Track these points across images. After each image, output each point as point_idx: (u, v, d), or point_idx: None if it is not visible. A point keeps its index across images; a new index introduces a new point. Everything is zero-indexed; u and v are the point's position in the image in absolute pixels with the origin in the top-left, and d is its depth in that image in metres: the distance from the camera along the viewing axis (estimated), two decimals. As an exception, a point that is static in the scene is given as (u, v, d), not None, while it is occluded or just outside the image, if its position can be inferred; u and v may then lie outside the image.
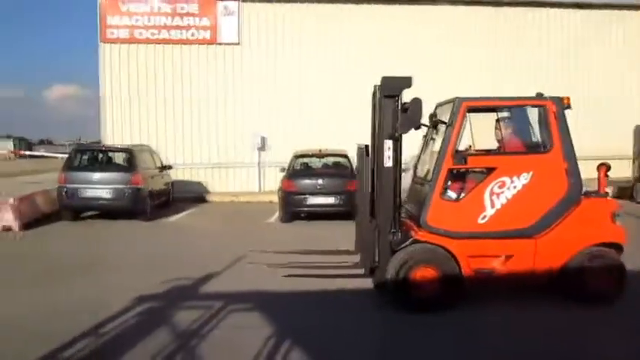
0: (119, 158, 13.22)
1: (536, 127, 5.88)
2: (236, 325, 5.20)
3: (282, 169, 12.51)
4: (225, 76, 17.35)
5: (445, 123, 5.76)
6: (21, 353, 4.56)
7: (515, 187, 5.54)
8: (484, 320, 5.40)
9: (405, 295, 5.52)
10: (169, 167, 14.55)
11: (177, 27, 17.15)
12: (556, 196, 5.59)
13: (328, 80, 17.25)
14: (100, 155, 13.16)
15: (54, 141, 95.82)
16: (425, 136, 6.59)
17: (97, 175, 11.95)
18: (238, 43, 17.31)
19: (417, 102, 5.48)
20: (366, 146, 6.09)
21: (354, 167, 11.92)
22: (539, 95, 5.91)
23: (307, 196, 11.47)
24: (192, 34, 17.20)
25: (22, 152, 67.25)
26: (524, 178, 5.54)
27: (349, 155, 12.48)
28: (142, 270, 7.43)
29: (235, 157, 17.32)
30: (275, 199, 12.80)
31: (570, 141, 5.65)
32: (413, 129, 5.57)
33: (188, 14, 17.16)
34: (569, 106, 5.82)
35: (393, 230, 5.60)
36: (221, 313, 5.49)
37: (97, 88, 17.46)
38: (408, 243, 5.59)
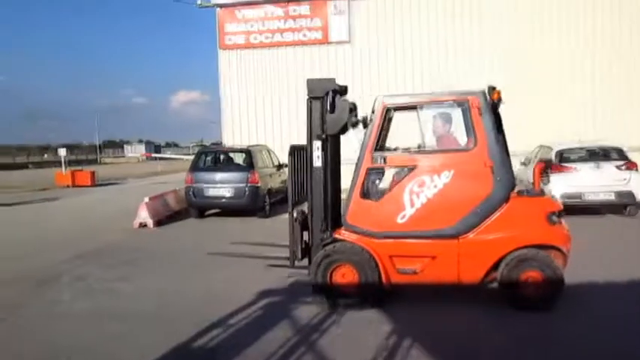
0: (238, 158, 13.84)
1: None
2: (356, 321, 5.23)
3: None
4: (337, 74, 17.46)
5: (366, 123, 5.68)
6: (166, 339, 4.91)
7: (435, 186, 5.33)
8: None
9: (326, 292, 5.54)
10: (285, 166, 14.96)
11: (290, 29, 17.65)
12: (480, 195, 5.27)
13: (443, 74, 16.85)
14: (221, 156, 13.84)
15: (179, 143, 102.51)
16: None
17: (218, 175, 12.61)
18: (349, 41, 17.44)
19: (342, 103, 5.64)
20: (294, 146, 6.01)
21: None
22: (491, 88, 5.54)
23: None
24: (304, 35, 17.61)
25: (151, 155, 72.91)
26: (445, 177, 5.31)
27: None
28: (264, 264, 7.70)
29: (348, 153, 17.46)
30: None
31: (497, 138, 5.31)
32: (340, 129, 5.67)
33: (300, 16, 17.59)
34: (500, 101, 5.47)
35: (323, 228, 5.62)
36: (340, 308, 5.55)
37: (217, 93, 18.46)
38: (328, 241, 5.61)
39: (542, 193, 5.66)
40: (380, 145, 5.69)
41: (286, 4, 17.61)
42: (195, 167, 12.99)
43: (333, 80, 5.73)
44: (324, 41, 17.59)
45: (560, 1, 16.58)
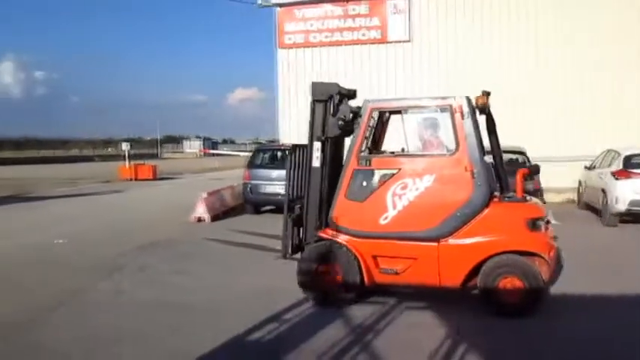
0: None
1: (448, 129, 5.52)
2: (411, 324, 5.17)
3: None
4: (396, 73, 17.39)
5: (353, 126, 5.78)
6: (219, 332, 4.99)
7: (417, 189, 5.40)
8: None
9: (311, 289, 5.70)
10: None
11: (349, 28, 17.60)
12: (460, 199, 5.29)
13: (504, 74, 16.41)
14: (278, 154, 14.00)
15: (235, 140, 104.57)
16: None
17: (275, 173, 12.68)
18: (408, 40, 17.24)
19: (344, 107, 5.82)
20: (294, 145, 6.29)
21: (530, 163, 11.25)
22: (486, 93, 5.64)
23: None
24: (363, 34, 17.51)
25: (208, 151, 74.64)
26: (426, 181, 5.39)
27: (526, 152, 11.85)
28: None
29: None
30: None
31: (478, 143, 5.32)
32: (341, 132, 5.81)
33: (359, 15, 17.51)
34: (483, 106, 5.55)
35: (317, 226, 5.81)
36: (395, 310, 5.51)
37: (273, 90, 18.68)
38: (314, 240, 5.80)
39: (524, 199, 5.58)
40: (369, 148, 5.92)
41: (345, 3, 17.57)
42: (252, 164, 13.22)
43: (336, 85, 5.91)
44: (383, 40, 17.43)
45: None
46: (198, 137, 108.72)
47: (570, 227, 10.71)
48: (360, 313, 5.45)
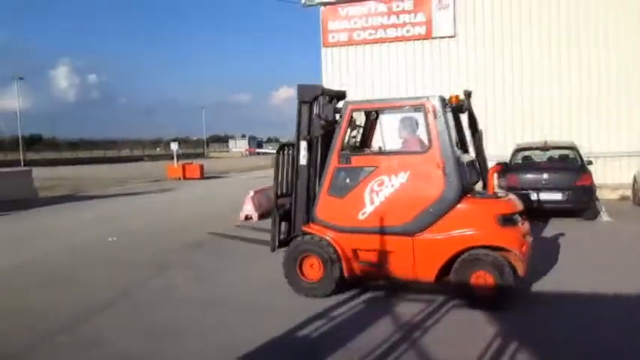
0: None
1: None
2: (461, 322, 5.14)
3: (501, 164, 11.93)
4: (440, 69, 17.17)
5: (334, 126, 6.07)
6: (266, 329, 5.10)
7: (392, 186, 5.64)
8: None
9: (295, 281, 6.06)
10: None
11: (393, 25, 17.49)
12: (432, 195, 5.50)
13: (553, 69, 15.99)
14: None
15: (280, 138, 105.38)
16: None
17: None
18: (453, 36, 17.01)
19: (327, 108, 6.12)
20: (283, 144, 6.63)
21: (585, 161, 10.94)
22: (467, 93, 6.07)
23: (530, 191, 10.73)
24: (407, 31, 17.37)
25: (254, 150, 75.60)
26: (401, 177, 5.62)
27: (577, 148, 11.53)
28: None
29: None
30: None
31: (450, 140, 5.48)
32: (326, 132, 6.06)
33: (403, 12, 17.38)
34: (458, 105, 5.84)
35: (304, 221, 6.15)
36: (443, 308, 5.48)
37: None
38: (298, 234, 6.13)
39: (495, 195, 5.75)
40: (357, 146, 6.30)
41: (390, 0, 17.49)
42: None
43: (320, 86, 6.29)
44: (428, 36, 17.23)
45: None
46: (243, 136, 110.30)
47: (623, 224, 10.39)
48: (407, 310, 5.45)
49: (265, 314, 5.61)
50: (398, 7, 17.39)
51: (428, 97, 5.64)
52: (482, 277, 5.35)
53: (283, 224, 6.46)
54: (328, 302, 5.73)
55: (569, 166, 11.20)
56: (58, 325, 5.37)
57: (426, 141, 5.70)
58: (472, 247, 5.40)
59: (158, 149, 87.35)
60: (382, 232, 5.68)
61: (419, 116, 5.80)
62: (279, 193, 6.44)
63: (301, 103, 6.21)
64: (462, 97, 5.98)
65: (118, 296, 6.38)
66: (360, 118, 6.73)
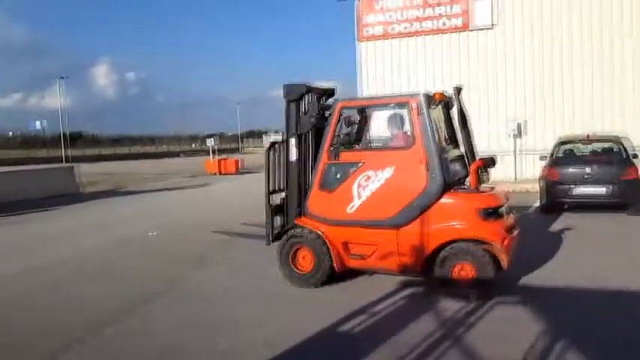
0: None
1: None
2: (505, 318, 5.06)
3: (542, 157, 11.69)
4: (478, 61, 16.91)
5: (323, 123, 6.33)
6: (308, 322, 5.13)
7: (378, 181, 5.82)
8: None
9: (288, 271, 6.33)
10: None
11: (429, 17, 17.31)
12: (416, 190, 5.65)
13: (595, 60, 15.55)
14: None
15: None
16: None
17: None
18: (492, 27, 16.70)
19: (312, 105, 6.42)
20: (273, 142, 6.82)
21: (630, 154, 10.62)
22: (457, 89, 6.35)
23: (573, 185, 10.47)
24: (444, 23, 17.16)
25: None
26: (387, 172, 5.78)
27: (622, 140, 11.18)
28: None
29: (490, 144, 16.74)
30: (531, 188, 12.05)
31: (432, 136, 5.60)
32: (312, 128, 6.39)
33: (439, 3, 17.16)
34: (442, 102, 6.06)
35: (297, 215, 6.41)
36: (487, 304, 5.39)
37: (352, 83, 18.72)
38: (290, 226, 6.43)
39: (477, 189, 5.84)
40: (351, 142, 6.45)
41: (425, -8, 17.28)
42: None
43: (304, 85, 6.46)
44: (465, 28, 16.99)
45: None
46: (276, 132, 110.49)
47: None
48: (451, 305, 5.39)
49: (306, 307, 5.65)
50: (434, -1, 17.20)
51: (412, 95, 5.81)
52: (463, 270, 5.53)
53: (278, 219, 6.74)
54: (370, 297, 5.72)
55: (614, 159, 10.86)
56: (105, 317, 5.52)
57: (410, 137, 5.88)
58: (454, 240, 5.56)
59: (194, 145, 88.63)
60: (369, 225, 5.90)
61: (404, 113, 5.96)
62: (271, 189, 6.70)
63: (288, 101, 6.46)
64: (448, 93, 6.20)
65: (162, 289, 6.51)
66: (356, 115, 6.86)
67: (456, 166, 6.11)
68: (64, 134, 61.78)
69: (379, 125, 6.58)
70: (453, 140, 6.51)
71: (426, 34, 17.47)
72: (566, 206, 10.97)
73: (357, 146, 6.56)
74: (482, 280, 5.44)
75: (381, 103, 6.50)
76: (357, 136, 6.68)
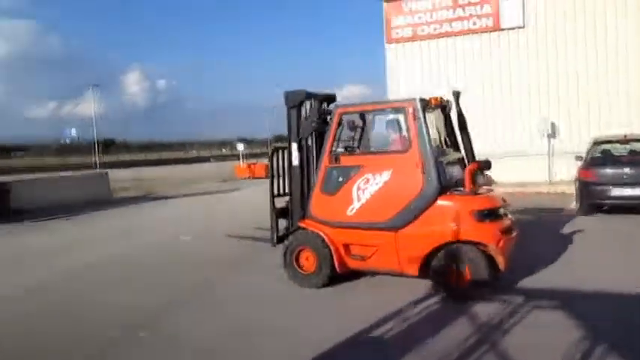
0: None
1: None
2: (540, 324, 4.92)
3: (578, 158, 11.40)
4: (509, 61, 16.66)
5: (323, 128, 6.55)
6: (338, 328, 5.09)
7: (377, 184, 5.97)
8: None
9: (293, 272, 6.52)
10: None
11: (459, 18, 17.14)
12: (412, 193, 5.77)
13: (631, 59, 15.15)
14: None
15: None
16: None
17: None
18: (523, 27, 16.43)
19: (312, 111, 6.62)
20: (276, 147, 7.14)
21: None
22: (456, 93, 6.48)
23: (611, 187, 10.19)
24: (474, 24, 16.96)
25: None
26: (385, 176, 5.94)
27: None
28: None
29: (522, 145, 16.46)
30: (566, 189, 11.76)
31: (428, 140, 5.72)
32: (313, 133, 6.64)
33: (469, 4, 16.98)
34: (440, 106, 6.25)
35: (301, 217, 6.61)
36: (522, 309, 5.27)
37: (382, 86, 18.66)
38: (294, 229, 6.66)
39: (472, 192, 5.84)
40: (354, 147, 6.72)
41: (455, -7, 17.10)
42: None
43: (304, 92, 6.67)
44: (496, 28, 16.76)
45: None
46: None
47: None
48: (485, 310, 5.28)
49: (342, 310, 5.65)
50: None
51: (409, 100, 5.94)
52: (458, 271, 5.62)
53: (284, 222, 7.02)
54: (402, 302, 5.66)
55: (654, 160, 10.52)
56: (140, 321, 5.59)
57: (407, 141, 6.00)
58: (450, 242, 5.63)
59: (224, 150, 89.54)
60: (369, 227, 6.05)
61: (401, 117, 6.08)
62: (275, 193, 6.97)
63: (289, 108, 6.71)
64: (445, 98, 6.37)
65: (196, 293, 6.58)
66: (359, 119, 7.03)
67: (454, 169, 6.20)
68: (97, 141, 63.20)
69: (378, 130, 6.71)
70: (453, 143, 6.65)
71: (456, 35, 17.29)
72: (605, 207, 10.68)
73: (357, 150, 6.70)
74: (477, 282, 5.54)
75: (379, 108, 6.61)
76: (360, 140, 6.88)
